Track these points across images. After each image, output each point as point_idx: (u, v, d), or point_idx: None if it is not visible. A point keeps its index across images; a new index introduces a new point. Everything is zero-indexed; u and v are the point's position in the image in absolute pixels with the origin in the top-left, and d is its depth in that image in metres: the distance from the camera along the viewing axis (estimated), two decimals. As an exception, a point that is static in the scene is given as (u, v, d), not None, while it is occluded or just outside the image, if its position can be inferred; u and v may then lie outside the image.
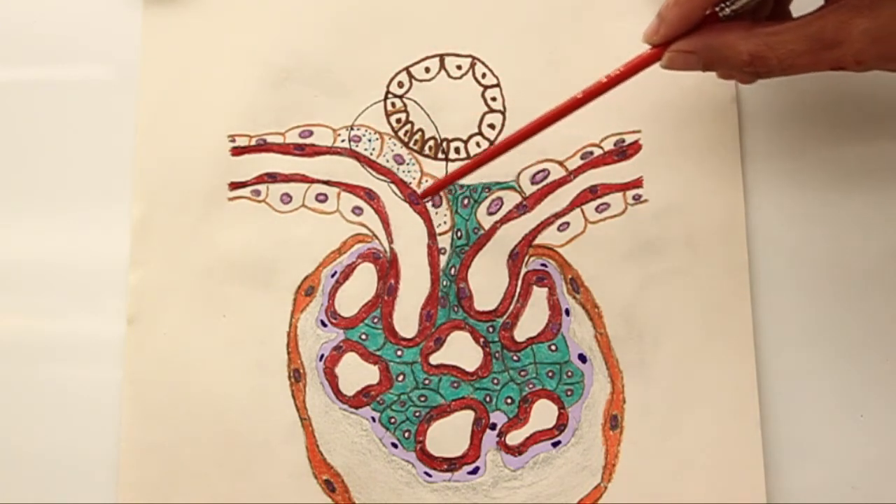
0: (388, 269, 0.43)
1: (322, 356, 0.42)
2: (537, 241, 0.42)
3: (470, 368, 0.42)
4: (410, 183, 0.43)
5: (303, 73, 0.44)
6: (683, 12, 0.34)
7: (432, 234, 0.43)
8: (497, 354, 0.42)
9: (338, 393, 0.42)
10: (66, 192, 0.44)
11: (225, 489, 0.41)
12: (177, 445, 0.41)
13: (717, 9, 0.35)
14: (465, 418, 0.42)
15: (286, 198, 0.43)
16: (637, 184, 0.43)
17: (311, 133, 0.43)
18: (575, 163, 0.43)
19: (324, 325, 0.42)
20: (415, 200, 0.43)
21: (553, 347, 0.42)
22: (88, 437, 0.42)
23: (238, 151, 0.43)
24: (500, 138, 0.43)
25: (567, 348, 0.42)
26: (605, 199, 0.43)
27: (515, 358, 0.42)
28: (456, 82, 0.44)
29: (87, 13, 0.45)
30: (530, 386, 0.42)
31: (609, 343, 0.42)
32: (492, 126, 0.43)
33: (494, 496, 0.41)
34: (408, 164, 0.43)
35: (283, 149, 0.43)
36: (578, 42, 0.44)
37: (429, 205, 0.43)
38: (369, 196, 0.43)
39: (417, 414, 0.42)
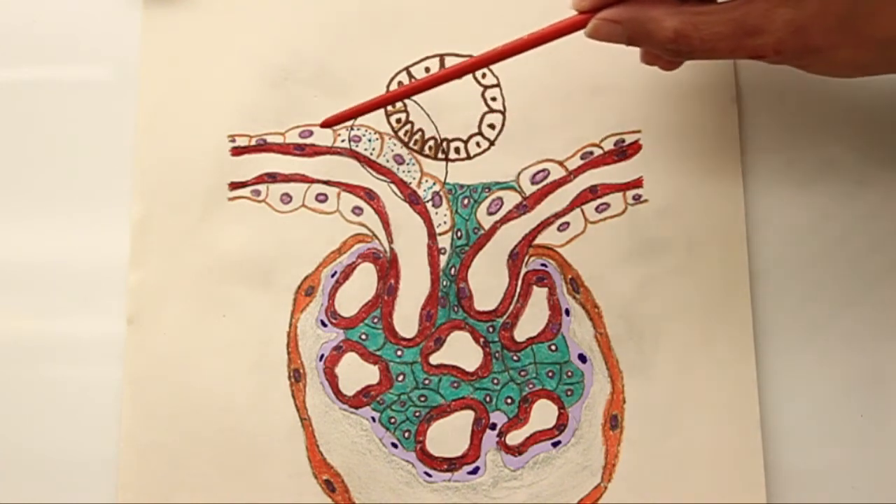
0: (388, 269, 0.43)
1: (322, 356, 0.42)
2: (537, 241, 0.42)
3: (470, 368, 0.42)
4: (410, 183, 0.43)
5: (303, 73, 0.44)
6: None
7: (432, 234, 0.43)
8: (497, 354, 0.42)
9: (338, 393, 0.42)
10: (66, 192, 0.44)
11: (225, 489, 0.41)
12: (177, 445, 0.41)
13: None
14: (465, 418, 0.42)
15: (286, 198, 0.43)
16: (637, 184, 0.43)
17: (311, 133, 0.43)
18: (575, 163, 0.43)
19: (324, 325, 0.42)
20: (415, 200, 0.43)
21: (553, 347, 0.42)
22: (88, 437, 0.42)
23: (238, 151, 0.43)
24: (500, 138, 0.43)
25: (567, 348, 0.42)
26: (605, 199, 0.43)
27: (515, 358, 0.42)
28: (456, 82, 0.44)
29: (87, 13, 0.45)
30: (530, 386, 0.42)
31: (609, 343, 0.42)
32: (492, 126, 0.43)
33: (494, 496, 0.41)
34: (408, 164, 0.43)
35: (283, 149, 0.43)
36: (578, 42, 0.44)
37: (429, 205, 0.43)
38: (369, 196, 0.43)
39: (417, 414, 0.42)
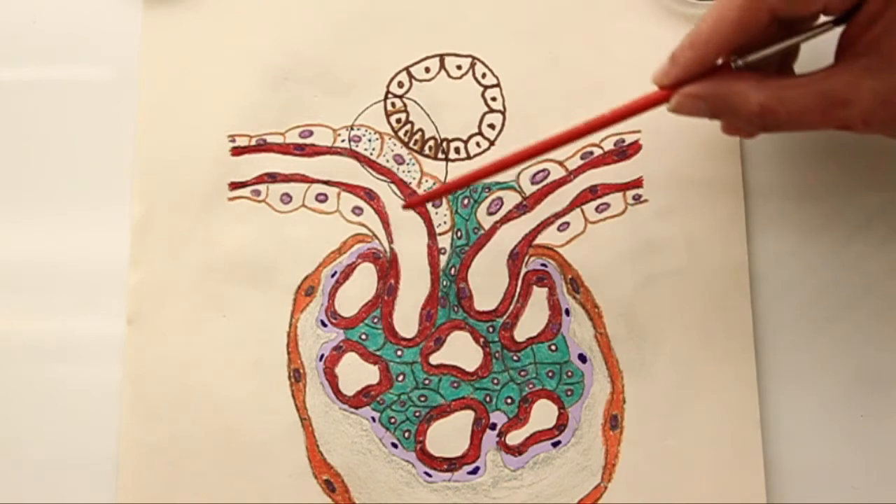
0: (388, 269, 0.43)
1: (322, 356, 0.42)
2: (537, 241, 0.42)
3: (470, 368, 0.42)
4: (410, 183, 0.43)
5: (303, 73, 0.44)
6: (697, 57, 0.34)
7: (432, 234, 0.43)
8: (497, 354, 0.42)
9: (338, 393, 0.42)
10: (66, 192, 0.44)
11: (225, 489, 0.41)
12: (177, 445, 0.41)
13: (731, 59, 0.35)
14: (465, 418, 0.42)
15: (286, 198, 0.43)
16: (637, 184, 0.43)
17: (311, 133, 0.43)
18: (575, 163, 0.43)
19: (324, 325, 0.42)
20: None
21: (553, 347, 0.42)
22: (88, 437, 0.42)
23: (238, 151, 0.43)
24: (500, 138, 0.43)
25: (567, 348, 0.42)
26: (605, 199, 0.43)
27: (515, 358, 0.42)
28: (456, 82, 0.44)
29: (87, 13, 0.45)
30: (530, 386, 0.42)
31: (609, 343, 0.42)
32: (492, 126, 0.43)
33: (494, 496, 0.41)
34: (408, 164, 0.43)
35: (283, 149, 0.43)
36: (578, 42, 0.44)
37: (429, 205, 0.43)
38: (369, 196, 0.43)
39: (417, 414, 0.42)
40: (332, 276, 0.43)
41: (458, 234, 0.43)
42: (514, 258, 0.42)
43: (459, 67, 0.44)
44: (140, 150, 0.43)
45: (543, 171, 0.43)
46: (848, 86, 0.33)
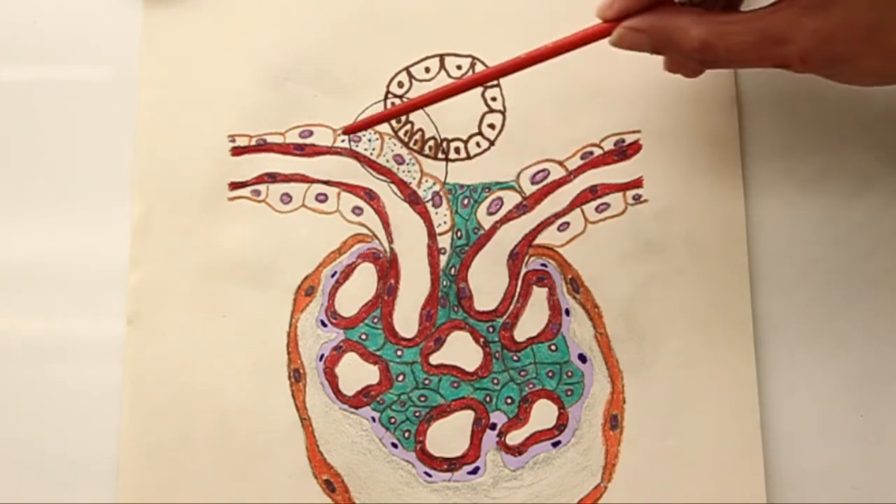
0: (388, 269, 0.43)
1: (322, 356, 0.42)
2: (537, 241, 0.42)
3: (470, 368, 0.42)
4: (410, 183, 0.43)
5: (303, 73, 0.44)
6: None
7: (432, 234, 0.43)
8: (497, 354, 0.42)
9: (338, 393, 0.42)
10: (66, 192, 0.44)
11: (225, 489, 0.41)
12: (177, 445, 0.41)
13: None
14: (465, 418, 0.42)
15: (286, 198, 0.43)
16: (637, 184, 0.43)
17: (311, 133, 0.43)
18: (575, 163, 0.43)
19: (324, 325, 0.42)
20: (415, 200, 0.43)
21: (553, 347, 0.42)
22: (88, 437, 0.42)
23: (238, 151, 0.43)
24: (500, 138, 0.43)
25: (567, 348, 0.42)
26: (605, 199, 0.43)
27: (515, 358, 0.42)
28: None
29: (87, 13, 0.45)
30: (530, 386, 0.42)
31: (609, 343, 0.42)
32: (492, 126, 0.43)
33: (494, 496, 0.41)
34: (408, 164, 0.43)
35: (283, 149, 0.43)
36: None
37: (429, 205, 0.43)
38: (369, 196, 0.43)
39: (417, 414, 0.42)
40: (332, 276, 0.43)
41: (458, 234, 0.43)
42: (514, 258, 0.42)
43: (459, 67, 0.44)
44: (140, 150, 0.43)
45: (543, 171, 0.43)
46: (788, 23, 0.33)
